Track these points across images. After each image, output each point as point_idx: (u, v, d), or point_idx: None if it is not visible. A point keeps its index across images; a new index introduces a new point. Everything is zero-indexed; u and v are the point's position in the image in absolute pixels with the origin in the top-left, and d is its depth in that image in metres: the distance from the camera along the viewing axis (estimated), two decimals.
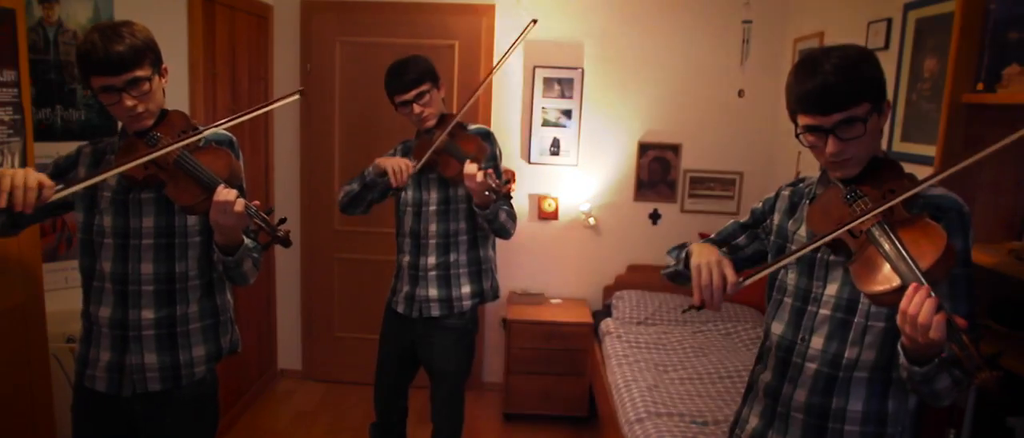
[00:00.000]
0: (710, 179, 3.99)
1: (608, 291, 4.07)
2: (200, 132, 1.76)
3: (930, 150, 2.40)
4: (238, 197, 1.65)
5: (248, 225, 1.72)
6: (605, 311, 3.91)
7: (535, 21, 2.67)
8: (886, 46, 2.76)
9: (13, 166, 2.12)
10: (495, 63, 2.60)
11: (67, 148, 1.82)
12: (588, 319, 3.79)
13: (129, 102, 1.64)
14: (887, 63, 2.73)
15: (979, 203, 2.05)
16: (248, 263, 1.81)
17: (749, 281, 1.41)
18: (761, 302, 2.63)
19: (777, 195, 1.63)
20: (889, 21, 2.75)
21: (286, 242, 1.73)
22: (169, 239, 1.78)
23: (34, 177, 1.51)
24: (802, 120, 1.38)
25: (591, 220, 4.01)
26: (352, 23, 3.93)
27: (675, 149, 3.99)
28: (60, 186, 1.57)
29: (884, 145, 2.72)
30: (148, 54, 1.66)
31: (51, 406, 2.32)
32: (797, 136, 1.42)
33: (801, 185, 1.60)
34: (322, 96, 3.99)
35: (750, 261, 1.64)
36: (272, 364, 4.22)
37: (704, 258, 1.43)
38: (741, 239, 1.68)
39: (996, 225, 2.06)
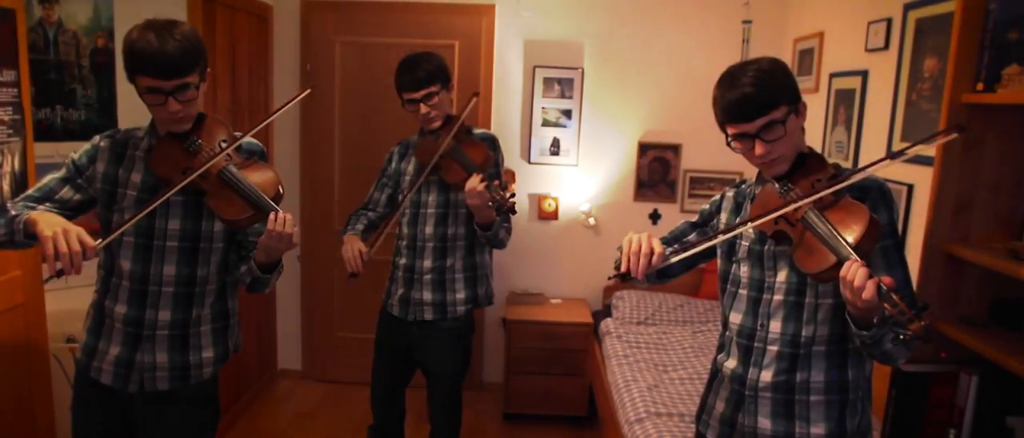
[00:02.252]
0: (710, 179, 4.00)
1: (608, 291, 4.07)
2: (238, 140, 1.75)
3: (930, 150, 2.40)
4: (292, 228, 1.65)
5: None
6: (605, 311, 3.91)
7: (477, 95, 2.63)
8: (886, 46, 2.76)
9: (13, 166, 2.12)
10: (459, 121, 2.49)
11: (67, 148, 1.81)
12: (588, 319, 3.79)
13: (174, 107, 1.63)
14: (887, 63, 2.74)
15: (978, 203, 2.05)
16: (275, 277, 1.82)
17: (676, 258, 1.59)
18: None
19: (722, 197, 1.78)
20: (889, 21, 2.75)
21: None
22: (194, 243, 1.77)
23: (74, 237, 1.50)
24: (730, 129, 1.54)
25: (591, 220, 4.01)
26: (352, 23, 3.93)
27: (675, 149, 3.99)
28: (99, 240, 1.56)
29: (884, 145, 2.72)
30: (200, 60, 1.65)
31: (51, 406, 2.32)
32: (728, 144, 1.57)
33: (743, 187, 1.75)
34: (322, 96, 3.99)
35: (700, 256, 1.76)
36: (272, 364, 4.22)
37: (634, 235, 1.59)
38: (692, 236, 1.81)
39: (996, 225, 2.06)
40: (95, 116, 2.59)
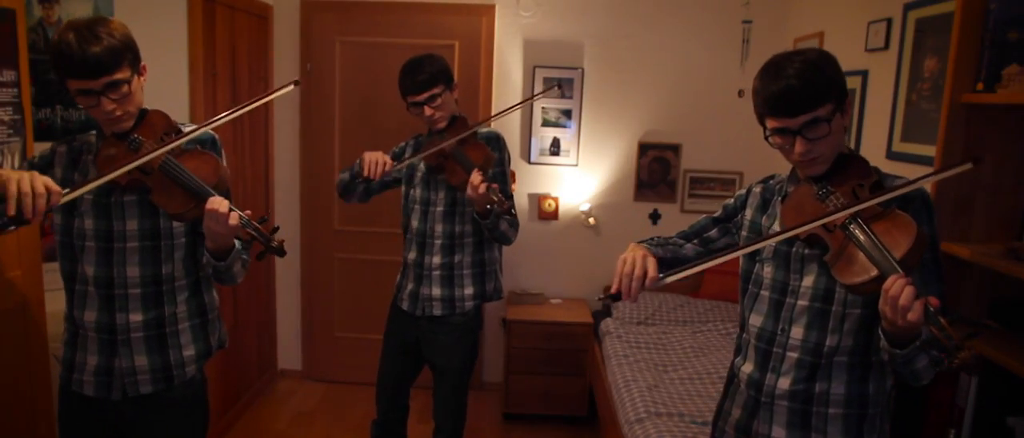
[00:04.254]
0: (710, 179, 3.99)
1: (608, 291, 4.06)
2: (183, 134, 1.72)
3: (930, 150, 2.40)
4: (230, 207, 1.62)
5: (241, 235, 1.69)
6: (605, 311, 3.91)
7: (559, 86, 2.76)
8: (886, 46, 2.76)
9: (13, 166, 2.12)
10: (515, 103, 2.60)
11: None
12: (588, 319, 3.79)
13: (108, 105, 1.60)
14: (887, 63, 2.74)
15: (978, 203, 2.05)
16: (238, 265, 1.79)
17: (670, 279, 1.47)
18: None
19: (749, 191, 1.68)
20: (889, 21, 2.75)
21: (280, 252, 1.70)
22: (154, 241, 1.75)
23: (41, 182, 1.46)
24: (770, 123, 1.44)
25: (591, 220, 4.01)
26: (352, 23, 3.93)
27: (675, 149, 3.99)
28: (66, 190, 1.52)
29: (884, 145, 2.72)
30: (126, 55, 1.61)
31: (51, 406, 2.31)
32: (766, 138, 1.47)
33: (772, 182, 1.65)
34: (322, 96, 3.99)
35: (720, 253, 1.68)
36: (272, 364, 4.22)
37: (630, 252, 1.51)
38: (713, 232, 1.72)
39: (996, 225, 2.06)
40: None
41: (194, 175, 1.68)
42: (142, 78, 1.69)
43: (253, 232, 1.68)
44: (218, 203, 1.61)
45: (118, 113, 1.63)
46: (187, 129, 1.76)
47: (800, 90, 1.36)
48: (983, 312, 2.08)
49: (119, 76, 1.60)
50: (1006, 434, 1.91)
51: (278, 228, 1.74)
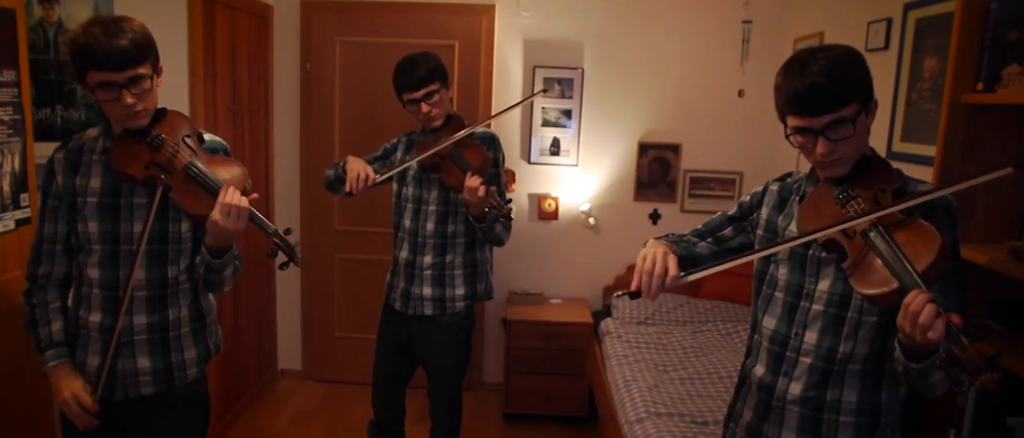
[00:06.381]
0: (710, 179, 3.99)
1: (608, 291, 4.07)
2: (204, 138, 1.76)
3: (930, 150, 2.40)
4: (248, 204, 1.65)
5: (267, 236, 1.73)
6: (605, 311, 3.91)
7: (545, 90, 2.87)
8: (886, 46, 2.76)
9: (13, 166, 2.12)
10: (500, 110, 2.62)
11: None
12: (588, 319, 3.79)
13: (129, 100, 1.61)
14: (887, 63, 2.74)
15: (978, 203, 2.05)
16: (230, 269, 1.79)
17: (690, 277, 1.44)
18: None
19: (765, 189, 1.64)
20: (889, 21, 2.75)
21: (297, 261, 1.78)
22: (163, 244, 1.75)
23: (72, 401, 1.71)
24: (792, 121, 1.38)
25: (591, 220, 4.01)
26: (352, 23, 3.93)
27: (675, 149, 3.99)
28: (94, 396, 1.72)
29: (884, 145, 2.72)
30: (150, 51, 1.64)
31: (51, 406, 2.32)
32: (787, 137, 1.43)
33: (789, 181, 1.60)
34: (322, 96, 4.00)
35: (734, 252, 1.64)
36: (272, 364, 4.22)
37: (651, 249, 1.47)
38: (727, 231, 1.68)
39: (995, 225, 2.06)
40: (95, 116, 2.59)
41: (221, 179, 1.70)
42: (159, 78, 1.71)
43: (279, 242, 1.72)
44: (233, 195, 1.64)
45: (138, 108, 1.64)
46: (206, 136, 1.81)
47: (825, 88, 1.31)
48: (983, 312, 2.08)
49: (142, 71, 1.62)
50: (1006, 434, 1.91)
51: (298, 244, 1.79)
